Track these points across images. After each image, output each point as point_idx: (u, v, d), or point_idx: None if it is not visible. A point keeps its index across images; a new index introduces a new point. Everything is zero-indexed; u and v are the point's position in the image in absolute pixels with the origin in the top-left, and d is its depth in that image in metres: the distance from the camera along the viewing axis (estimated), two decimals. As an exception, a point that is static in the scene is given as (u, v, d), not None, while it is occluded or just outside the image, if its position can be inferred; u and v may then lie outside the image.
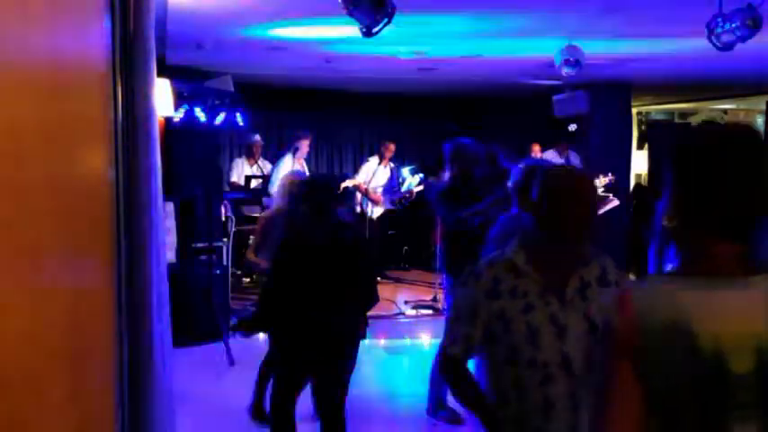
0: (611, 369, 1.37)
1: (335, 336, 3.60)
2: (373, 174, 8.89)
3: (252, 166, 8.21)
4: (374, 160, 9.08)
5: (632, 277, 5.77)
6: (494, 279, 2.09)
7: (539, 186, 2.08)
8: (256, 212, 7.83)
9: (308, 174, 8.18)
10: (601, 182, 6.45)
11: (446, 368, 2.21)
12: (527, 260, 2.07)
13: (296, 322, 3.59)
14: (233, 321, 5.81)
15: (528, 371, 2.03)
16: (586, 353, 1.96)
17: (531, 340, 2.01)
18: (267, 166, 8.58)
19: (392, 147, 9.16)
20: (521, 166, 3.56)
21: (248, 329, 4.29)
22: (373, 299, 3.78)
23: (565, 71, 6.28)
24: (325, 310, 3.54)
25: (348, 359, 3.72)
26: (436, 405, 4.67)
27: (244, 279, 8.31)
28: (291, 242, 3.74)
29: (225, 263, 6.91)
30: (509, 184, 3.62)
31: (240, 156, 8.75)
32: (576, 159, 9.29)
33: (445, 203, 4.76)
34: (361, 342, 3.81)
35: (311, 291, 3.54)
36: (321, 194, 3.67)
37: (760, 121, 12.93)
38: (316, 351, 3.59)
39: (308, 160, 8.61)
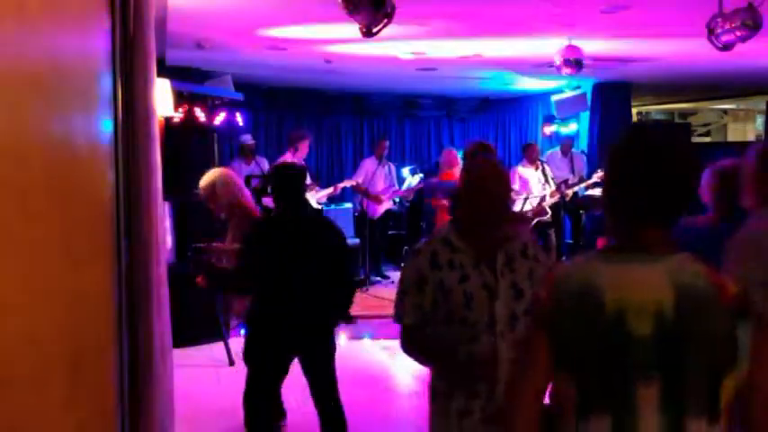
0: (529, 335, 1.59)
1: (310, 319, 3.58)
2: (372, 173, 8.89)
3: (249, 165, 8.20)
4: (373, 160, 9.08)
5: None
6: (432, 252, 2.38)
7: (462, 177, 2.44)
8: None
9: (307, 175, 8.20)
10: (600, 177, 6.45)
11: (405, 336, 2.44)
12: (459, 237, 2.38)
13: (269, 308, 3.58)
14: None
15: (457, 328, 2.32)
16: (511, 314, 2.30)
17: (466, 304, 2.31)
18: (266, 166, 8.57)
19: (385, 143, 9.15)
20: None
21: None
22: (348, 284, 3.78)
23: (565, 71, 6.28)
24: (297, 297, 3.52)
25: (325, 342, 3.70)
26: None
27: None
28: (260, 228, 3.78)
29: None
30: None
31: (237, 157, 8.73)
32: (580, 159, 9.28)
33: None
34: (335, 326, 3.82)
35: (282, 278, 3.54)
36: (286, 181, 3.67)
37: (760, 120, 12.93)
38: (294, 334, 3.58)
39: (307, 160, 8.60)
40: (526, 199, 7.70)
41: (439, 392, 2.41)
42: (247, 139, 8.40)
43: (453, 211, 2.57)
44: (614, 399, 1.45)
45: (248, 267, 3.64)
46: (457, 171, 7.38)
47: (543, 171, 8.23)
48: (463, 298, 2.31)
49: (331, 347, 3.73)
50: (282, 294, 3.55)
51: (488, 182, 2.35)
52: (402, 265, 2.58)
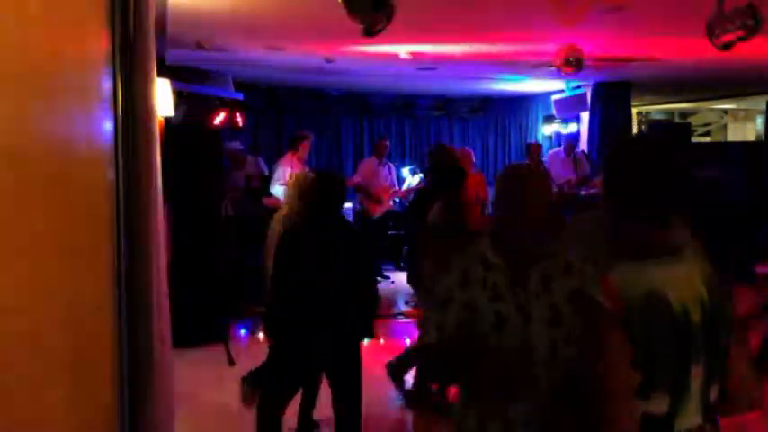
0: (607, 339, 1.75)
1: (337, 335, 3.55)
2: (373, 173, 8.89)
3: (240, 171, 8.15)
4: (373, 159, 9.07)
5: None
6: (464, 270, 2.17)
7: (495, 185, 2.22)
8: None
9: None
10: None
11: (420, 355, 2.36)
12: (494, 252, 2.14)
13: (298, 322, 3.53)
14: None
15: (491, 355, 2.10)
16: (549, 340, 2.05)
17: (498, 327, 2.08)
18: (265, 167, 8.57)
19: (386, 143, 9.15)
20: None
21: (254, 385, 4.04)
22: (373, 298, 3.74)
23: (565, 71, 6.28)
24: (327, 308, 3.49)
25: (352, 357, 3.68)
26: None
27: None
28: (293, 238, 3.67)
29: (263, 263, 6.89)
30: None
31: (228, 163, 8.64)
32: (582, 159, 9.28)
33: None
34: (362, 341, 3.79)
35: (312, 288, 3.49)
36: (330, 189, 3.60)
37: (760, 120, 12.93)
38: (318, 352, 3.54)
39: (308, 160, 8.60)
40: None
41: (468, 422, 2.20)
42: (236, 145, 8.33)
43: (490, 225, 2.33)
44: (674, 379, 1.70)
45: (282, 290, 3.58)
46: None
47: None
48: (494, 319, 2.08)
49: (357, 362, 3.70)
50: (307, 305, 3.50)
51: (523, 187, 2.11)
52: (428, 280, 2.44)
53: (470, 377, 2.18)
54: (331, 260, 3.51)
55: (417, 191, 6.40)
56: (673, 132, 9.38)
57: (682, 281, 1.72)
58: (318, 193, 3.59)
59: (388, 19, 3.95)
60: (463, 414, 2.19)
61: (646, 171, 1.74)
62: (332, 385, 3.73)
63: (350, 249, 3.58)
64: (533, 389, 2.05)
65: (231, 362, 5.64)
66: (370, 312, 3.74)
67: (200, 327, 6.04)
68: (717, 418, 1.78)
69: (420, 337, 2.30)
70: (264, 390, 3.64)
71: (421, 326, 2.35)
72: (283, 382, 3.65)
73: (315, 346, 3.56)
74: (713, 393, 1.74)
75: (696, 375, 1.71)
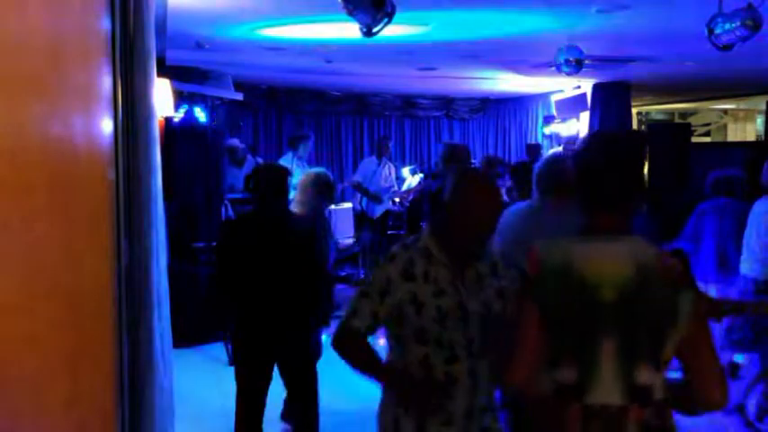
0: (520, 302, 1.92)
1: (282, 327, 3.52)
2: (373, 173, 8.89)
3: (240, 168, 8.15)
4: (373, 159, 9.07)
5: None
6: (408, 261, 2.22)
7: (451, 184, 2.25)
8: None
9: None
10: None
11: (343, 338, 2.28)
12: (439, 248, 2.23)
13: (243, 314, 3.54)
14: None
15: (435, 349, 2.19)
16: (484, 335, 2.21)
17: (439, 322, 2.18)
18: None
19: (388, 143, 9.15)
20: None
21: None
22: (322, 301, 3.71)
23: (565, 71, 6.28)
24: (267, 300, 3.47)
25: (302, 351, 3.62)
26: None
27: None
28: (233, 227, 3.73)
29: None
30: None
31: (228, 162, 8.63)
32: None
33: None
34: (313, 333, 3.76)
35: (250, 278, 3.48)
36: (272, 179, 3.62)
37: (760, 120, 12.93)
38: (264, 343, 3.53)
39: (308, 160, 8.60)
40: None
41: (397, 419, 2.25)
42: (235, 142, 8.33)
43: (433, 218, 2.39)
44: (581, 353, 1.81)
45: (221, 272, 3.59)
46: None
47: None
48: (437, 314, 2.17)
49: (309, 352, 3.65)
50: (252, 296, 3.50)
51: (482, 196, 2.20)
52: (375, 266, 2.35)
53: (406, 365, 2.25)
54: (268, 251, 3.48)
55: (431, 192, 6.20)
56: (673, 132, 9.38)
57: (603, 260, 1.81)
58: (256, 183, 3.65)
59: (389, 19, 3.95)
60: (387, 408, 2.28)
61: (592, 161, 1.88)
62: (285, 383, 3.69)
63: (290, 241, 3.54)
64: (471, 378, 2.20)
65: (231, 362, 5.64)
66: (316, 303, 3.67)
67: (200, 327, 6.04)
68: (661, 408, 1.80)
69: (348, 318, 2.26)
70: (236, 383, 3.61)
71: (351, 308, 2.27)
72: (242, 372, 3.61)
73: (260, 336, 3.54)
74: (641, 377, 1.78)
75: (607, 352, 1.78)
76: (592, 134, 2.03)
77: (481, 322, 2.20)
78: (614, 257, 1.81)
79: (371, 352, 2.30)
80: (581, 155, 1.93)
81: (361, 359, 2.30)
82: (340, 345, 2.29)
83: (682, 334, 1.78)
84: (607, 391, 1.79)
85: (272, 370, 3.61)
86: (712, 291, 4.97)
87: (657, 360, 1.80)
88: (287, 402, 4.29)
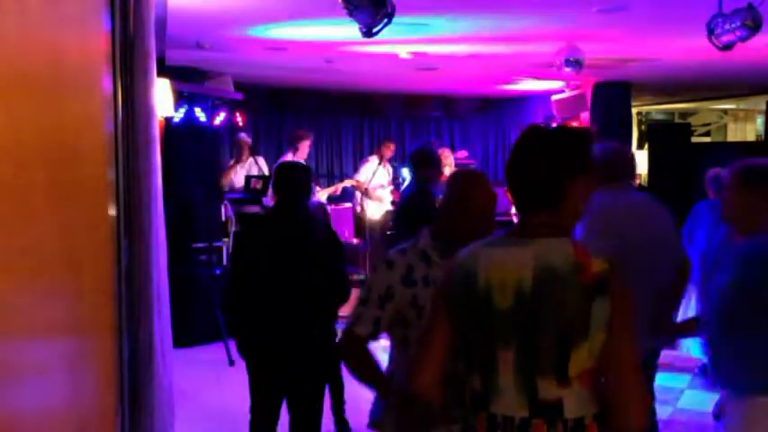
0: (431, 313, 1.86)
1: (303, 340, 3.24)
2: (373, 173, 8.89)
3: (243, 165, 8.16)
4: (374, 160, 9.07)
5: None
6: (407, 266, 2.23)
7: (446, 188, 2.29)
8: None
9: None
10: None
11: (347, 345, 2.30)
12: (438, 251, 2.23)
13: (259, 323, 3.26)
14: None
15: None
16: None
17: None
18: (265, 167, 8.56)
19: (392, 146, 9.15)
20: None
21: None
22: (343, 295, 3.43)
23: (565, 71, 6.28)
24: (290, 311, 3.21)
25: (320, 371, 3.38)
26: None
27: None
28: (249, 231, 3.47)
29: (225, 263, 6.90)
30: None
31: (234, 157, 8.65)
32: None
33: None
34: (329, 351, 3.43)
35: (271, 287, 3.20)
36: (290, 181, 3.35)
37: (760, 120, 12.93)
38: (284, 358, 3.25)
39: (308, 160, 8.60)
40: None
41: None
42: (244, 136, 8.36)
43: (431, 222, 2.37)
44: (482, 361, 1.71)
45: (236, 276, 3.33)
46: (446, 171, 7.40)
47: None
48: None
49: (320, 381, 3.38)
50: (265, 303, 3.24)
51: (475, 194, 2.21)
52: (373, 271, 2.36)
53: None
54: (283, 258, 3.22)
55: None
56: (673, 132, 9.38)
57: (503, 264, 1.68)
58: (278, 184, 3.37)
59: (389, 19, 3.95)
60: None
61: (513, 156, 1.76)
62: (289, 405, 3.39)
63: (308, 248, 3.28)
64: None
65: (231, 362, 5.64)
66: (335, 314, 3.46)
67: (200, 327, 6.04)
68: (579, 427, 1.64)
69: (351, 326, 2.26)
70: (250, 397, 3.39)
71: (353, 315, 2.28)
72: (254, 386, 3.37)
73: (270, 348, 3.27)
74: (547, 391, 1.63)
75: (505, 361, 1.66)
76: (523, 129, 1.86)
77: None
78: (515, 261, 1.67)
79: (373, 362, 2.31)
80: (510, 152, 1.81)
81: (363, 369, 2.31)
82: (344, 353, 2.32)
83: (597, 345, 1.61)
84: (510, 402, 1.67)
85: (282, 396, 3.35)
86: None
87: (564, 373, 1.62)
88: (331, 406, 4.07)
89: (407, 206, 4.81)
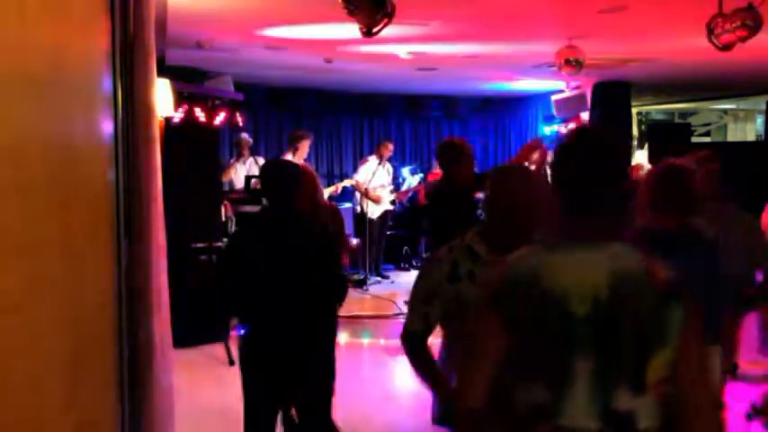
0: (483, 318, 1.73)
1: (305, 341, 3.18)
2: (373, 173, 8.89)
3: (244, 164, 8.17)
4: (373, 159, 9.07)
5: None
6: (453, 263, 2.27)
7: (488, 182, 2.32)
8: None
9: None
10: None
11: (406, 342, 2.37)
12: (484, 246, 2.26)
13: (256, 322, 3.19)
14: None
15: None
16: None
17: None
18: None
19: (390, 146, 9.15)
20: None
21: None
22: (338, 297, 3.35)
23: (565, 71, 6.28)
24: (284, 310, 3.13)
25: (325, 365, 3.31)
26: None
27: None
28: (243, 231, 3.37)
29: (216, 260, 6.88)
30: None
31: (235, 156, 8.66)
32: None
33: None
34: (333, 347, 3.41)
35: (264, 287, 3.13)
36: (279, 180, 3.24)
37: (760, 120, 12.93)
38: (284, 356, 3.17)
39: (308, 160, 8.59)
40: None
41: None
42: (246, 135, 8.37)
43: (430, 214, 2.42)
44: (553, 371, 1.61)
45: (221, 278, 3.27)
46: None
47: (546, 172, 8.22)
48: None
49: (329, 383, 3.30)
50: (263, 308, 3.17)
51: (522, 190, 2.22)
52: (419, 270, 2.44)
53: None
54: (273, 259, 3.14)
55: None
56: (673, 132, 9.38)
57: (576, 270, 1.60)
58: (267, 182, 3.28)
59: (389, 19, 3.95)
60: None
61: (574, 160, 1.67)
62: (296, 407, 3.35)
63: (304, 249, 3.20)
64: None
65: (231, 362, 5.64)
66: (334, 317, 3.38)
67: (200, 327, 6.04)
68: None
69: (406, 325, 2.37)
70: (244, 403, 3.31)
71: (409, 310, 2.39)
72: (251, 395, 3.27)
73: (272, 356, 3.19)
74: (619, 402, 1.57)
75: (581, 371, 1.58)
76: (574, 131, 1.80)
77: None
78: (588, 267, 1.60)
79: (429, 360, 2.39)
80: (561, 153, 1.73)
81: (420, 367, 2.39)
82: (405, 350, 2.39)
83: (670, 353, 1.56)
84: (581, 414, 1.59)
85: (282, 399, 3.30)
86: None
87: (641, 382, 1.57)
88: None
89: (442, 204, 4.71)
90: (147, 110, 2.58)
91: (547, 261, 1.64)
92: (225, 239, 7.02)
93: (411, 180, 9.85)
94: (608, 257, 1.60)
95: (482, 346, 1.71)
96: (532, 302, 1.62)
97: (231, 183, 8.08)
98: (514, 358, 1.66)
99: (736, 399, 4.57)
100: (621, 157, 1.70)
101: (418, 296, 2.34)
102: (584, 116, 9.74)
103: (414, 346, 2.37)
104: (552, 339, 1.61)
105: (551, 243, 1.70)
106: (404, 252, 9.98)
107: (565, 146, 1.72)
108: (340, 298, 3.39)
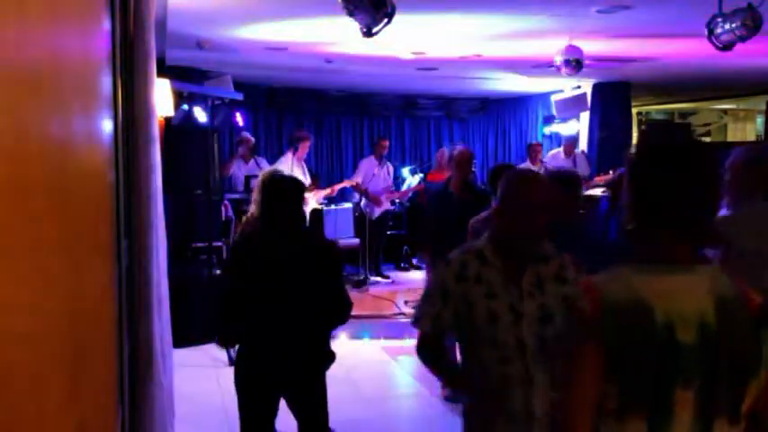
0: (580, 346, 1.58)
1: (301, 355, 3.13)
2: (372, 174, 8.89)
3: (247, 163, 8.19)
4: (372, 160, 9.08)
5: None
6: (461, 264, 2.29)
7: (499, 187, 2.31)
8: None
9: (306, 175, 8.16)
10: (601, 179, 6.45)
11: (419, 344, 2.41)
12: (493, 251, 2.28)
13: (257, 341, 3.12)
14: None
15: (488, 350, 2.24)
16: (539, 338, 2.20)
17: (491, 323, 2.22)
18: (266, 166, 8.56)
19: (385, 143, 9.16)
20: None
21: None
22: (345, 308, 3.26)
23: (565, 71, 6.28)
24: (289, 327, 3.07)
25: (320, 378, 3.25)
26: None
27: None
28: (243, 248, 3.21)
29: (220, 271, 6.90)
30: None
31: (236, 156, 8.68)
32: (582, 159, 9.28)
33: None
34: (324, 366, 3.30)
35: (270, 305, 3.06)
36: (290, 194, 3.15)
37: (760, 120, 12.94)
38: (283, 373, 3.12)
39: (307, 160, 8.60)
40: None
41: (475, 418, 2.36)
42: (247, 135, 8.39)
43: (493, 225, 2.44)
44: (654, 402, 1.52)
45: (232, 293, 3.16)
46: (447, 172, 7.40)
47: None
48: (487, 315, 2.22)
49: (321, 384, 3.25)
50: (263, 320, 3.10)
51: (527, 191, 2.22)
52: (435, 271, 2.47)
53: (470, 365, 2.32)
54: (284, 275, 3.06)
55: None
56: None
57: (679, 295, 1.51)
58: (267, 197, 3.16)
59: (389, 19, 3.95)
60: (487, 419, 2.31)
61: (667, 176, 1.53)
62: (296, 415, 3.29)
63: (308, 265, 3.11)
64: (526, 380, 2.21)
65: (231, 362, 5.64)
66: (328, 329, 3.31)
67: (201, 327, 6.04)
68: None
69: (417, 325, 2.39)
70: (239, 409, 3.23)
71: (418, 309, 2.41)
72: (246, 402, 3.20)
73: (269, 362, 3.12)
74: (720, 430, 1.51)
75: (683, 402, 1.50)
76: (657, 145, 1.60)
77: (537, 326, 2.20)
78: (691, 291, 1.51)
79: (444, 357, 2.44)
80: (650, 167, 1.56)
81: (435, 364, 2.44)
82: (419, 351, 2.42)
83: (761, 382, 1.50)
84: None
85: (278, 400, 3.24)
86: None
87: (738, 412, 1.52)
88: None
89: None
90: (147, 110, 2.58)
91: (648, 285, 1.53)
92: (224, 240, 7.03)
93: (411, 180, 9.85)
94: (707, 281, 1.52)
95: (582, 377, 1.59)
96: (634, 330, 1.52)
97: (234, 181, 8.09)
98: (613, 390, 1.56)
99: None
100: (716, 174, 1.58)
101: (430, 295, 2.35)
102: (584, 116, 9.75)
103: (427, 345, 2.39)
104: (656, 368, 1.51)
105: (645, 265, 1.57)
106: (404, 252, 9.98)
107: (655, 161, 1.56)
108: (342, 319, 3.27)
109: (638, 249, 1.59)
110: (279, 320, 3.06)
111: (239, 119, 7.55)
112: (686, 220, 1.53)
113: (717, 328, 1.49)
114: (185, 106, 6.22)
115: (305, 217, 3.65)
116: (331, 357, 3.26)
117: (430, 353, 2.40)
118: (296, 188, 3.20)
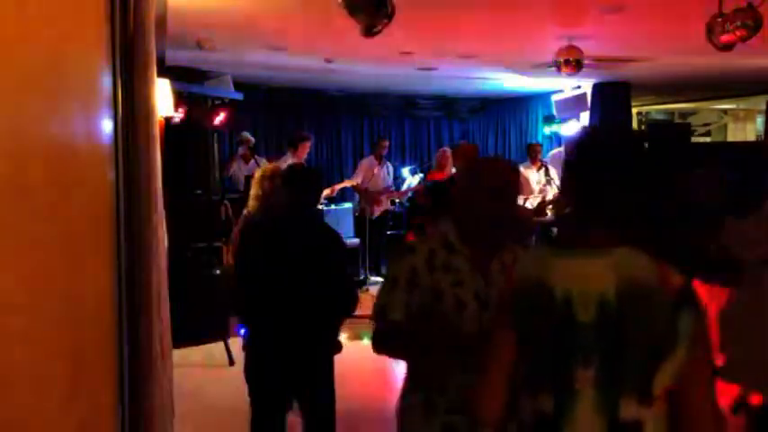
0: (495, 325, 1.72)
1: (310, 344, 3.19)
2: (372, 174, 8.89)
3: (247, 164, 8.18)
4: (372, 160, 9.08)
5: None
6: (430, 251, 2.22)
7: (469, 175, 2.30)
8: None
9: None
10: None
11: (386, 335, 2.26)
12: (459, 238, 2.23)
13: (267, 328, 3.19)
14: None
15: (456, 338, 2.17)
16: None
17: (458, 311, 2.17)
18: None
19: (385, 143, 9.15)
20: None
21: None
22: (351, 297, 3.32)
23: (565, 71, 6.28)
24: (298, 316, 3.12)
25: (327, 368, 3.31)
26: None
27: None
28: (256, 236, 3.31)
29: (225, 263, 6.90)
30: None
31: (236, 156, 8.68)
32: None
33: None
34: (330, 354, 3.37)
35: (280, 293, 3.12)
36: (301, 184, 3.25)
37: (760, 120, 12.93)
38: (291, 363, 3.17)
39: (307, 160, 8.59)
40: (526, 200, 7.70)
41: (414, 399, 2.32)
42: (248, 135, 8.39)
43: (435, 209, 2.41)
44: (557, 379, 1.58)
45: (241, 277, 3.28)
46: (447, 171, 7.39)
47: (546, 172, 8.21)
48: (455, 303, 2.17)
49: (330, 377, 3.29)
50: (270, 308, 3.16)
51: (490, 177, 2.19)
52: (389, 261, 2.41)
53: (431, 354, 2.22)
54: (293, 263, 3.13)
55: None
56: (673, 132, 9.37)
57: (582, 276, 1.56)
58: (291, 185, 3.26)
59: (389, 19, 3.95)
60: (412, 390, 2.33)
61: (590, 164, 1.62)
62: (303, 413, 3.34)
63: (318, 252, 3.19)
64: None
65: (231, 362, 5.64)
66: (337, 320, 3.35)
67: (200, 326, 6.04)
68: None
69: (383, 314, 2.24)
70: (251, 403, 3.32)
71: (383, 303, 2.26)
72: (259, 395, 3.28)
73: (277, 354, 3.20)
74: (626, 411, 1.53)
75: (584, 380, 1.54)
76: (587, 132, 1.74)
77: None
78: (596, 273, 1.56)
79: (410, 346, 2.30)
80: (576, 156, 1.66)
81: (406, 351, 2.32)
82: (383, 343, 2.28)
83: (681, 361, 1.51)
84: (587, 424, 1.55)
85: (288, 392, 3.30)
86: None
87: (648, 392, 1.52)
88: None
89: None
90: (147, 110, 2.58)
91: (552, 267, 1.61)
92: (224, 239, 7.03)
93: (411, 180, 9.85)
94: (613, 263, 1.55)
95: (497, 355, 1.68)
96: (539, 309, 1.60)
97: (232, 180, 8.09)
98: (524, 368, 1.63)
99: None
100: (633, 157, 1.62)
101: (397, 283, 2.21)
102: (584, 116, 9.74)
103: (400, 336, 2.23)
104: (557, 347, 1.58)
105: (557, 247, 1.67)
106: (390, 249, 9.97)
107: (576, 145, 1.67)
108: (348, 310, 3.29)
109: (561, 233, 1.64)
110: (286, 307, 3.10)
111: (239, 119, 7.55)
112: (601, 208, 1.60)
113: (618, 307, 1.52)
114: (185, 106, 6.21)
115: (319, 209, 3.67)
116: (338, 346, 3.31)
117: (403, 340, 2.24)
118: (317, 178, 3.35)
